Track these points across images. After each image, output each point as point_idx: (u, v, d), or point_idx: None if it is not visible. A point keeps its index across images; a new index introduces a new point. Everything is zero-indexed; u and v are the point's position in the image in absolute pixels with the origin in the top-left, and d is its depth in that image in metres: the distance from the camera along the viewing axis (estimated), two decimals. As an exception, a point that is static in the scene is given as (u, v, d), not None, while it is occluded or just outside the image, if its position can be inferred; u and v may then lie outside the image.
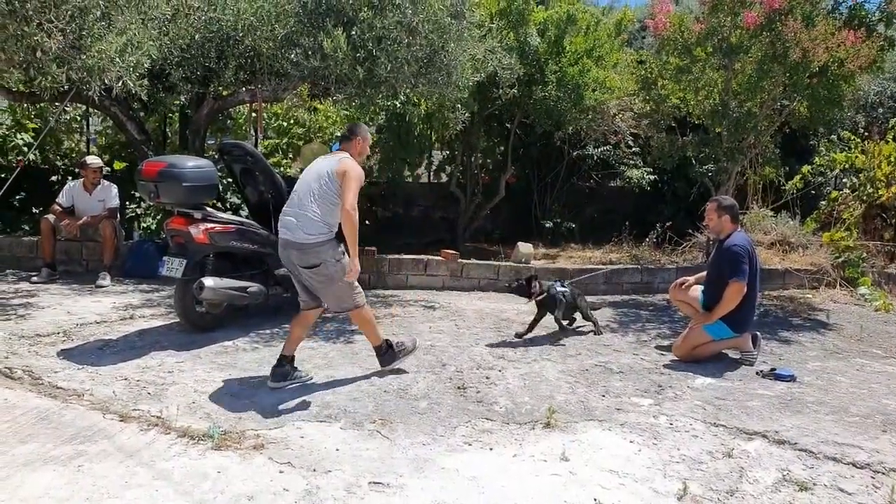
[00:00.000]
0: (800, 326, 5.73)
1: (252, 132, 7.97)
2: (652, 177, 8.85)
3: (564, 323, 5.13)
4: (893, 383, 4.23)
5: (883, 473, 2.94)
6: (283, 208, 3.74)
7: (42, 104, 7.31)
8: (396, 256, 6.77)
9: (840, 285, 7.01)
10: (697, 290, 4.84)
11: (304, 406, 3.44)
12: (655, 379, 4.14)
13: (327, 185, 3.59)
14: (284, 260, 3.73)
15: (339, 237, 3.64)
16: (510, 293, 5.16)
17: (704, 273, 4.90)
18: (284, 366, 3.75)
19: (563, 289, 5.03)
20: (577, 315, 5.29)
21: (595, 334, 5.14)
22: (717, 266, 4.64)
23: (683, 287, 4.90)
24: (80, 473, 2.64)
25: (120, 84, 4.49)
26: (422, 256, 6.84)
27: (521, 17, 7.14)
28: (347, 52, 4.92)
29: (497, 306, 6.03)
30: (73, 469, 2.67)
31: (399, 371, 3.98)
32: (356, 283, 3.71)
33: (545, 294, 4.92)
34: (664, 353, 4.73)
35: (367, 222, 7.96)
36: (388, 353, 3.93)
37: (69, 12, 4.15)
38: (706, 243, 4.95)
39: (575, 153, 8.96)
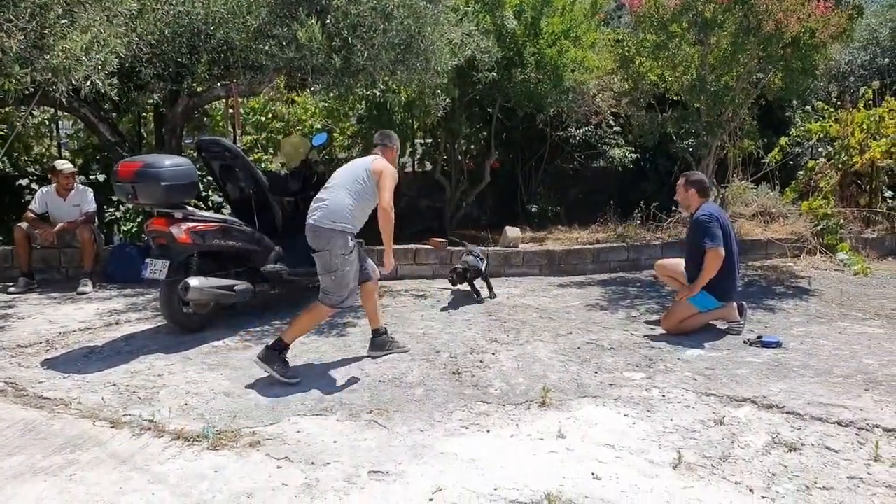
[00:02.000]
0: (783, 294, 5.82)
1: (230, 128, 7.87)
2: (634, 155, 8.88)
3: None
4: (874, 343, 4.32)
5: (867, 430, 3.02)
6: (315, 198, 3.90)
7: (7, 108, 7.13)
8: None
9: (820, 252, 7.12)
10: (681, 264, 4.89)
11: (300, 401, 3.42)
12: (646, 353, 4.19)
13: (364, 182, 3.80)
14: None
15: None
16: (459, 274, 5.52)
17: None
18: (382, 334, 4.12)
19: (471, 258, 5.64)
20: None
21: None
22: (689, 239, 4.70)
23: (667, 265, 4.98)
24: (72, 482, 2.60)
25: (88, 84, 4.38)
26: (410, 246, 6.82)
27: (497, -1, 7.10)
28: (323, 41, 4.85)
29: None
30: (64, 478, 2.63)
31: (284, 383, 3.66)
32: (350, 288, 3.77)
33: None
34: (653, 327, 4.78)
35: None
36: (272, 352, 3.69)
37: (29, 10, 4.03)
38: (689, 218, 5.03)
39: (557, 135, 8.96)
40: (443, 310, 5.35)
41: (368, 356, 4.11)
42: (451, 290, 5.92)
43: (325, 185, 3.95)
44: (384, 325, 4.21)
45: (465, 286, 5.70)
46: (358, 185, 3.81)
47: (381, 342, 4.15)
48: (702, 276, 4.48)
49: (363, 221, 3.90)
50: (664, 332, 4.64)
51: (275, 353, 3.68)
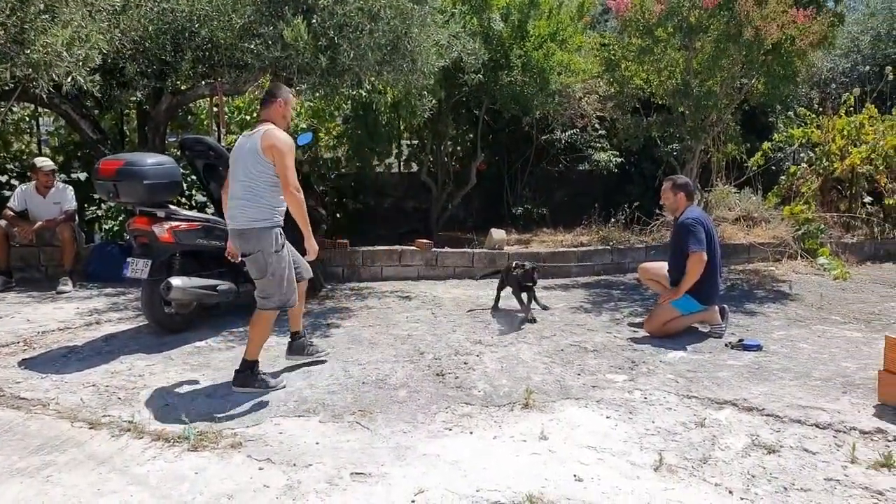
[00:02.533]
0: (764, 298, 5.89)
1: (214, 127, 7.81)
2: (619, 159, 8.95)
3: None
4: (852, 347, 4.39)
5: (844, 432, 3.06)
6: (230, 195, 3.55)
7: (-14, 104, 7.02)
8: (370, 248, 6.73)
9: (801, 256, 7.22)
10: (664, 267, 4.93)
11: (282, 402, 3.40)
12: (629, 355, 4.21)
13: (263, 166, 3.36)
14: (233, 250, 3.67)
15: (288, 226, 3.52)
16: (511, 281, 5.23)
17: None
18: (299, 338, 3.92)
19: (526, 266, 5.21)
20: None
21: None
22: (674, 243, 4.74)
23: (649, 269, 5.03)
24: (48, 484, 2.56)
25: (69, 80, 4.32)
26: (395, 247, 6.81)
27: (484, 1, 7.11)
28: (309, 40, 4.83)
29: (473, 293, 6.05)
30: (41, 480, 2.59)
31: (261, 389, 3.54)
32: (291, 285, 3.54)
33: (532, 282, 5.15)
34: (636, 329, 4.81)
35: (337, 215, 7.92)
36: (246, 375, 3.53)
37: (9, 5, 3.97)
38: (674, 222, 5.10)
39: (543, 138, 9.00)
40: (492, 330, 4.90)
41: (287, 358, 3.95)
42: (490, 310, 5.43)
43: (230, 175, 3.54)
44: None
45: (507, 299, 5.31)
46: (256, 174, 3.38)
47: (298, 346, 3.95)
48: (685, 280, 4.52)
49: (283, 206, 3.48)
50: (647, 334, 4.67)
51: (246, 374, 3.51)
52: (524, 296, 5.14)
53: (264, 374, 3.60)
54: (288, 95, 3.61)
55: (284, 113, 3.56)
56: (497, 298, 5.40)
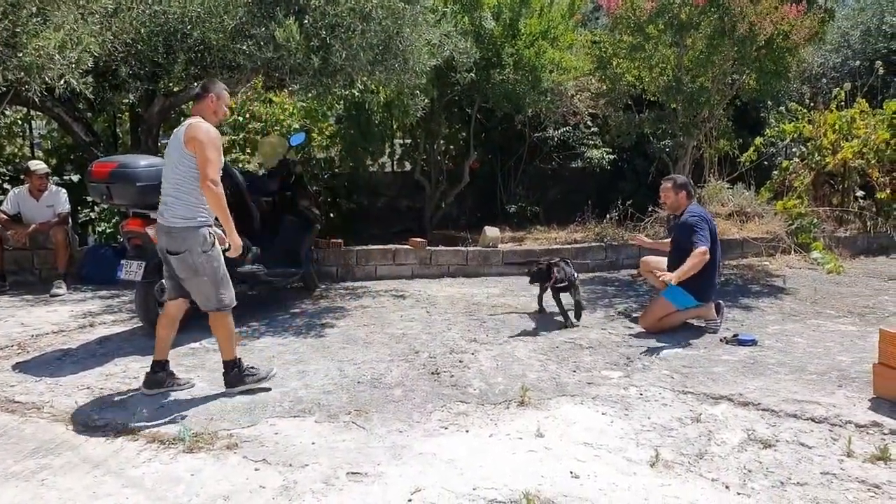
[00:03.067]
0: (759, 293, 5.91)
1: (206, 128, 7.76)
2: (611, 156, 8.96)
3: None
4: (847, 341, 4.41)
5: (840, 426, 3.07)
6: (162, 192, 3.44)
7: (-21, 108, 6.99)
8: (364, 247, 6.72)
9: (794, 251, 7.25)
10: (664, 261, 4.93)
11: (277, 402, 3.40)
12: (624, 352, 4.23)
13: (183, 164, 3.27)
14: (158, 247, 3.47)
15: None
16: (529, 278, 4.98)
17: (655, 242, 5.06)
18: (158, 373, 3.49)
19: (568, 268, 4.85)
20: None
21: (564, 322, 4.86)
22: (678, 240, 4.74)
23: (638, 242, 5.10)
24: (44, 487, 2.55)
25: (62, 83, 4.31)
26: (389, 246, 6.81)
27: (475, 0, 7.12)
28: (301, 41, 4.82)
29: (468, 291, 6.05)
30: (36, 483, 2.58)
31: (252, 392, 3.49)
32: (226, 282, 3.41)
33: (566, 282, 4.77)
34: (631, 326, 4.82)
35: (331, 215, 7.91)
36: (234, 374, 3.47)
37: (1, 8, 3.95)
38: (667, 218, 5.11)
39: (536, 136, 9.01)
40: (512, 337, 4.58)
41: (144, 392, 3.50)
42: (529, 313, 5.20)
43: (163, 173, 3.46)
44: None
45: (548, 300, 5.01)
46: (183, 170, 3.28)
47: (234, 379, 3.51)
48: (684, 269, 4.45)
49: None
50: (642, 329, 4.68)
51: (234, 374, 3.46)
52: (562, 297, 4.85)
53: (251, 366, 3.56)
54: (221, 91, 3.48)
55: (216, 109, 3.45)
56: (539, 300, 5.17)
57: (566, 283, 4.79)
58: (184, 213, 3.31)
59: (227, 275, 3.44)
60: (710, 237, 4.52)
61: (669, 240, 5.03)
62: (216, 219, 3.38)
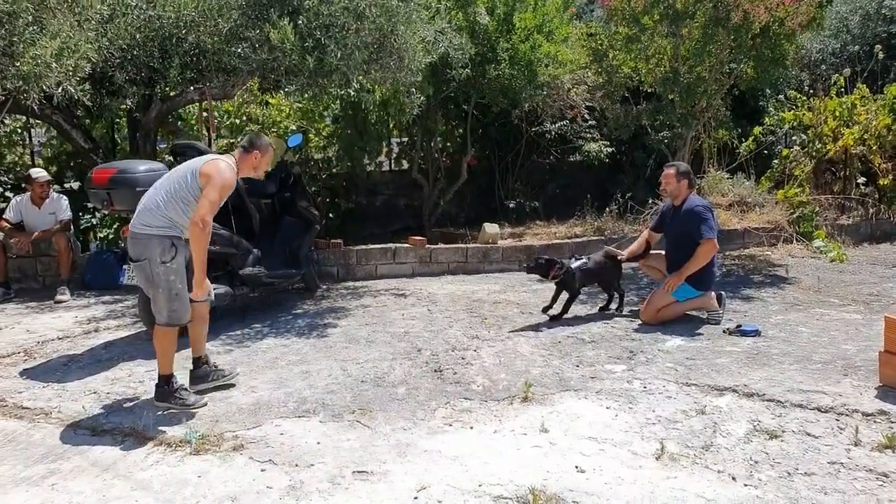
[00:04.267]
0: (761, 283, 5.90)
1: (204, 132, 7.78)
2: (610, 149, 8.94)
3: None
4: (851, 329, 4.40)
5: (846, 415, 3.07)
6: None
7: (-22, 117, 7.00)
8: (363, 247, 6.73)
9: (796, 240, 7.23)
10: (661, 254, 4.94)
11: (282, 403, 3.41)
12: (626, 345, 4.23)
13: (183, 182, 3.27)
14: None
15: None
16: (530, 272, 4.99)
17: (635, 246, 5.00)
18: (200, 366, 3.55)
19: (578, 263, 4.89)
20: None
21: (616, 309, 4.98)
22: (678, 230, 4.73)
23: (619, 258, 5.01)
24: (54, 492, 2.57)
25: (60, 90, 4.32)
26: (389, 245, 6.81)
27: (469, -4, 7.11)
28: (295, 42, 4.82)
29: (468, 288, 6.06)
30: (46, 488, 2.60)
31: (182, 406, 3.35)
32: (181, 299, 3.32)
33: (560, 276, 4.79)
34: (633, 319, 4.82)
35: (330, 215, 7.92)
36: (164, 390, 3.35)
37: (-2, 18, 3.97)
38: (661, 213, 5.10)
39: (533, 130, 8.99)
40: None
41: (194, 391, 3.49)
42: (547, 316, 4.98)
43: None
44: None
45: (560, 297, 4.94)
46: (176, 185, 3.27)
47: (201, 374, 3.56)
48: (691, 264, 4.49)
49: (185, 222, 3.28)
50: (643, 322, 4.68)
51: (163, 389, 3.33)
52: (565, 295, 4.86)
53: (186, 388, 3.42)
54: (266, 147, 3.54)
55: (256, 165, 3.52)
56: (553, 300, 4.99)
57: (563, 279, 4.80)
58: (154, 223, 3.25)
59: (185, 292, 3.33)
60: (715, 222, 4.53)
61: (645, 237, 5.00)
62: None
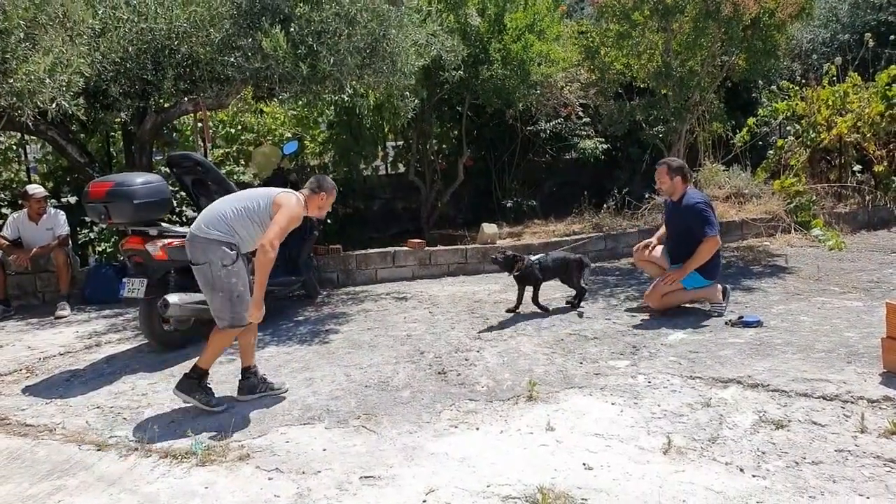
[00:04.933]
0: (761, 273, 5.91)
1: (200, 142, 7.78)
2: (605, 145, 8.96)
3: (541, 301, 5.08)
4: (853, 317, 4.40)
5: (852, 402, 3.07)
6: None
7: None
8: (363, 252, 6.72)
9: (794, 230, 7.23)
10: (659, 249, 4.94)
11: (286, 410, 3.40)
12: (629, 340, 4.23)
13: (256, 204, 3.43)
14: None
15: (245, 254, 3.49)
16: (496, 265, 5.13)
17: (663, 230, 4.99)
18: (249, 378, 3.60)
19: (535, 260, 5.03)
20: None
21: (575, 304, 5.09)
22: (679, 225, 4.73)
23: (647, 249, 5.00)
24: (61, 508, 2.57)
25: (54, 106, 4.32)
26: (388, 249, 6.81)
27: (459, -3, 7.12)
28: (288, 49, 4.83)
29: (469, 289, 6.05)
30: (53, 505, 2.59)
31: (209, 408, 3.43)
32: (243, 301, 3.38)
33: (520, 272, 4.93)
34: (635, 314, 4.83)
35: (328, 220, 7.88)
36: (192, 382, 3.41)
37: (-11, 36, 3.97)
38: (664, 204, 5.10)
39: (528, 129, 9.00)
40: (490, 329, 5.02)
41: (239, 397, 3.59)
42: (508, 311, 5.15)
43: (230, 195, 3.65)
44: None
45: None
46: (249, 203, 3.43)
47: (251, 385, 3.61)
48: (695, 260, 4.52)
49: (248, 241, 3.44)
50: (647, 317, 4.68)
51: (193, 381, 3.40)
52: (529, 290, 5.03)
53: (212, 391, 3.48)
54: (332, 190, 3.70)
55: (321, 205, 3.67)
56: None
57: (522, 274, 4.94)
58: (217, 229, 3.37)
59: (247, 295, 3.41)
60: (715, 218, 4.53)
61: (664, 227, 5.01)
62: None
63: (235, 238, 3.41)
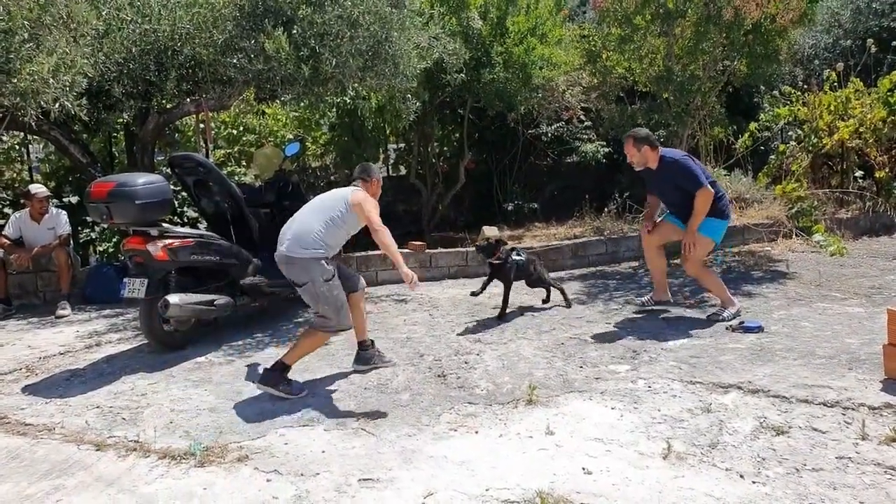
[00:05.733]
0: (762, 279, 5.90)
1: (202, 143, 7.80)
2: (606, 149, 8.96)
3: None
4: (854, 323, 4.39)
5: (853, 409, 3.06)
6: (286, 224, 3.79)
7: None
8: (363, 253, 6.72)
9: (796, 235, 7.23)
10: (666, 231, 4.83)
11: (286, 412, 3.40)
12: (629, 345, 4.22)
13: (339, 214, 3.68)
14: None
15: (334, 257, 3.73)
16: (478, 252, 5.20)
17: (651, 207, 4.94)
18: (367, 349, 3.96)
19: (518, 258, 5.08)
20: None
21: (543, 301, 5.27)
22: (668, 186, 4.65)
23: (651, 232, 4.83)
24: (59, 509, 2.56)
25: (57, 106, 4.33)
26: (388, 251, 6.80)
27: (461, 1, 7.13)
28: (290, 51, 4.83)
29: (469, 292, 6.03)
30: (52, 505, 2.59)
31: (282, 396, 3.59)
32: (346, 307, 3.69)
33: (500, 260, 4.99)
34: (635, 318, 4.82)
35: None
36: (276, 375, 3.62)
37: (-7, 36, 3.98)
38: (649, 171, 4.91)
39: (529, 133, 9.01)
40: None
41: (354, 370, 3.97)
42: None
43: (301, 210, 3.85)
44: (370, 339, 4.04)
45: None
46: (332, 214, 3.69)
47: (366, 356, 3.98)
48: (695, 218, 4.46)
49: (337, 248, 3.81)
50: (659, 301, 4.85)
51: (276, 373, 3.60)
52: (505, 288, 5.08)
53: (291, 379, 3.66)
54: (379, 176, 4.05)
55: (375, 192, 3.96)
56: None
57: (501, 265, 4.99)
58: (311, 247, 3.59)
59: (344, 297, 3.70)
60: (700, 169, 4.50)
61: (650, 201, 4.96)
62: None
63: (328, 251, 3.66)
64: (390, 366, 4.01)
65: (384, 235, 3.62)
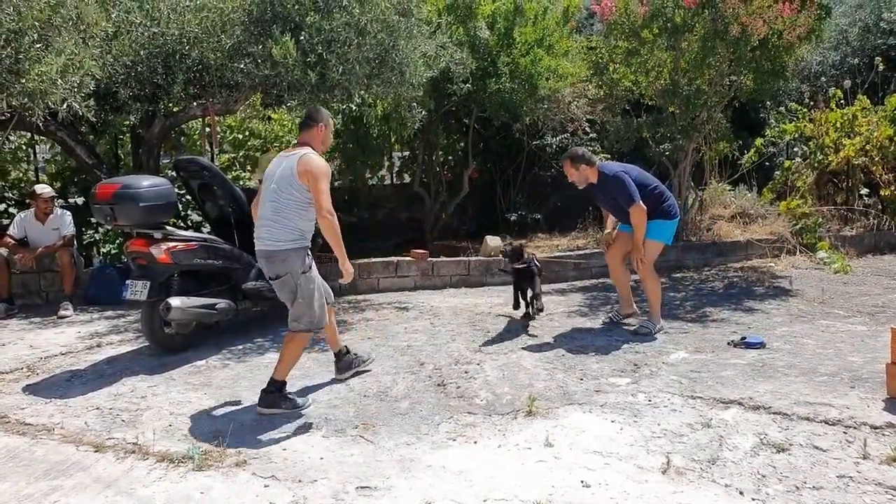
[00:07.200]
0: (764, 295, 5.88)
1: (207, 147, 7.83)
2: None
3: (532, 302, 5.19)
4: (857, 341, 4.38)
5: (854, 428, 3.04)
6: (259, 216, 3.55)
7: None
8: (365, 261, 6.72)
9: (800, 251, 7.22)
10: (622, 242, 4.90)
11: (285, 418, 3.39)
12: (630, 358, 4.21)
13: (291, 191, 3.38)
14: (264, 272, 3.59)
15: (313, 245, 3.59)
16: (504, 257, 5.23)
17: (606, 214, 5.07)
18: (344, 356, 3.92)
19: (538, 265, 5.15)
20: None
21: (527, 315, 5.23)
22: (608, 199, 4.76)
23: (610, 243, 5.00)
24: (56, 510, 2.56)
25: (65, 107, 4.36)
26: (391, 258, 6.81)
27: (469, 10, 7.16)
28: (297, 57, 4.86)
29: (471, 301, 6.04)
30: (48, 506, 2.58)
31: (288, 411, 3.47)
32: (322, 304, 3.52)
33: (525, 264, 5.02)
34: (628, 325, 4.86)
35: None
36: (274, 396, 3.46)
37: (3, 36, 4.00)
38: (592, 187, 5.10)
39: (534, 143, 9.02)
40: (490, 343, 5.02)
41: (336, 380, 3.91)
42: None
43: (262, 195, 3.55)
44: (344, 346, 3.96)
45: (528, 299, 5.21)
46: (291, 197, 3.38)
47: (346, 363, 3.94)
48: (637, 234, 4.57)
49: (311, 229, 3.52)
50: (628, 315, 4.85)
51: (274, 395, 3.44)
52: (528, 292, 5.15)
53: (291, 393, 3.54)
54: (328, 120, 3.62)
55: (323, 138, 3.59)
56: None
57: (527, 269, 5.03)
58: (282, 237, 3.39)
59: (324, 299, 3.55)
60: (634, 185, 4.52)
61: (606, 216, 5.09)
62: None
63: (304, 239, 3.46)
64: (370, 362, 4.06)
65: (328, 223, 3.33)
